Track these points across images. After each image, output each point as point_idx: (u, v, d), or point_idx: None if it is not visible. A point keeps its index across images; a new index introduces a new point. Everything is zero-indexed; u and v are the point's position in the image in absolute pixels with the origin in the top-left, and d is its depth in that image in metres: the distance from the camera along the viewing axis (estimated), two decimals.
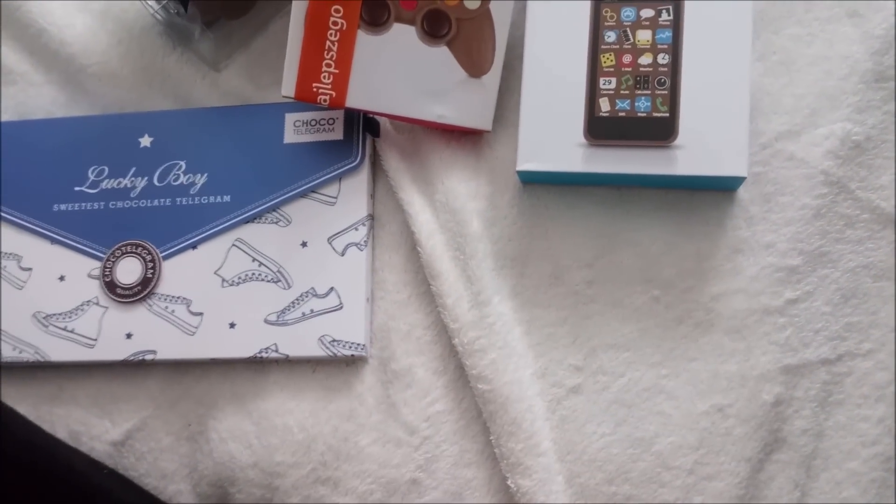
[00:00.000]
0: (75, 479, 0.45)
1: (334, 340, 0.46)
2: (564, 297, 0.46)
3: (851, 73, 0.45)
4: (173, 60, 0.52)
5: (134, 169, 0.50)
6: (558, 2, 0.44)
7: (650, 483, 0.43)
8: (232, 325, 0.47)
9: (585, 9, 0.44)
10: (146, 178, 0.49)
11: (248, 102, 0.51)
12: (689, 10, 0.43)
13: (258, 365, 0.48)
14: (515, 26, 0.47)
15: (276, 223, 0.48)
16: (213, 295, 0.47)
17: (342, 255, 0.47)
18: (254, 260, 0.47)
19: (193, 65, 0.52)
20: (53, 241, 0.50)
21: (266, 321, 0.47)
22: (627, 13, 0.43)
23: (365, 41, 0.44)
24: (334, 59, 0.44)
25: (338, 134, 0.48)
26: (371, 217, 0.48)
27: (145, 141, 0.50)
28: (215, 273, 0.48)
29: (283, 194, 0.48)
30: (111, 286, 0.48)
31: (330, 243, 0.47)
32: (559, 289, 0.46)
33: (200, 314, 0.47)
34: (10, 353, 0.48)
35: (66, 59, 0.53)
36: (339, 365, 0.47)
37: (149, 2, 0.47)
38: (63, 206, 0.50)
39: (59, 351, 0.48)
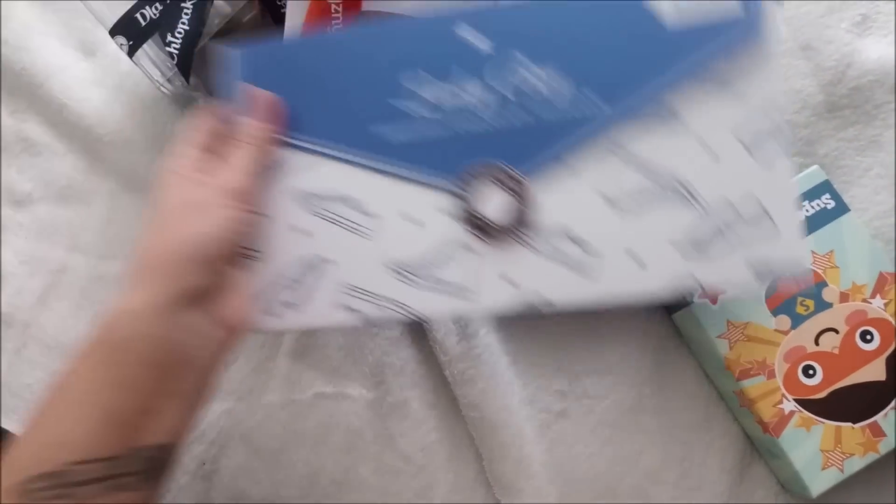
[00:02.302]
0: None
1: (769, 265, 0.37)
2: (548, 327, 0.48)
3: (804, 106, 0.48)
4: (182, 127, 0.56)
5: (473, 79, 0.40)
6: None
7: (638, 498, 0.45)
8: (636, 259, 0.38)
9: None
10: (490, 89, 0.39)
11: None
12: None
13: (264, 408, 0.50)
14: None
15: (662, 123, 0.38)
16: (605, 224, 0.38)
17: (761, 162, 0.37)
18: (646, 175, 0.38)
19: None
20: (394, 177, 0.40)
21: (677, 249, 0.38)
22: None
23: None
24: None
25: (733, 9, 0.37)
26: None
27: (484, 45, 0.40)
28: (600, 196, 0.39)
29: (667, 85, 0.38)
30: (478, 226, 0.39)
31: (740, 140, 0.38)
32: (542, 320, 0.48)
33: (594, 250, 0.38)
34: (373, 312, 0.40)
35: (85, 129, 0.57)
36: (337, 400, 0.50)
37: (154, 76, 0.52)
38: (396, 135, 0.40)
39: (432, 305, 0.40)
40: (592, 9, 0.39)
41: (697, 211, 0.38)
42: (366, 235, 0.41)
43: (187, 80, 0.51)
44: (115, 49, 0.58)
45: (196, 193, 0.37)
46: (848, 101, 0.48)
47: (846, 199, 0.47)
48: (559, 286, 0.39)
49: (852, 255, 0.45)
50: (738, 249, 0.37)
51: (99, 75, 0.58)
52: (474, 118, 0.40)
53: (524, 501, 0.45)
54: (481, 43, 0.40)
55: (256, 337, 0.52)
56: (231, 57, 0.43)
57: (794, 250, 0.37)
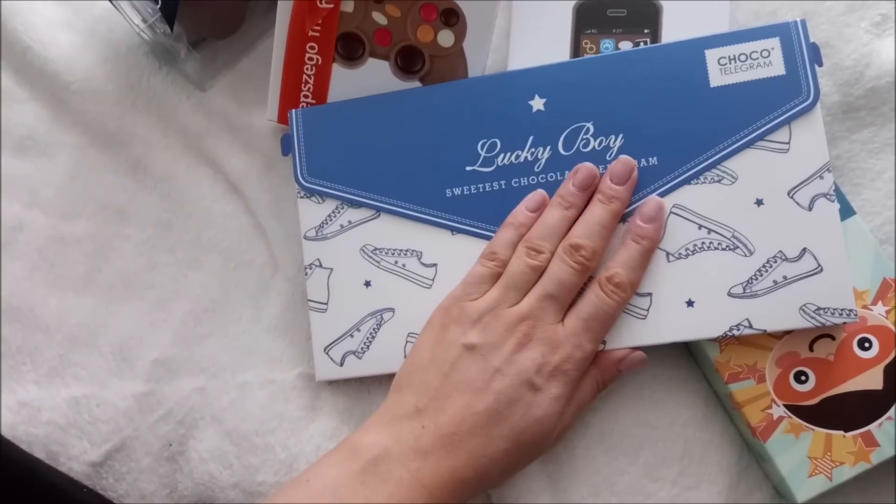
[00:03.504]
0: (57, 495, 0.44)
1: (819, 309, 0.41)
2: None
3: (820, 106, 0.47)
4: (159, 80, 0.52)
5: (532, 138, 0.43)
6: (540, 33, 0.45)
7: (636, 495, 0.44)
8: (690, 304, 0.42)
9: (566, 41, 0.45)
10: (549, 148, 0.43)
11: (233, 122, 0.51)
12: (667, 41, 0.44)
13: (239, 387, 0.48)
14: (499, 52, 0.48)
15: (718, 181, 0.42)
16: (661, 272, 0.42)
17: (809, 209, 0.42)
18: (700, 227, 0.42)
19: (179, 84, 0.52)
20: (455, 231, 0.44)
21: (730, 294, 0.42)
22: (606, 45, 0.45)
23: (340, 74, 0.46)
24: (311, 90, 0.47)
25: (777, 68, 0.42)
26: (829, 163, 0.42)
27: (537, 104, 0.43)
28: (657, 247, 0.43)
29: (724, 148, 0.42)
30: None
31: (791, 197, 0.42)
32: None
33: (649, 294, 0.42)
34: None
35: (51, 76, 0.52)
36: (321, 384, 0.48)
37: (134, 21, 0.48)
38: (457, 191, 0.44)
39: None
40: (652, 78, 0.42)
41: (751, 260, 0.41)
42: (425, 285, 0.43)
43: (171, 27, 0.47)
44: None
45: None
46: (864, 103, 0.47)
47: (858, 202, 0.46)
48: (614, 329, 0.42)
49: (855, 259, 0.44)
50: (789, 295, 0.41)
51: (70, 17, 0.53)
52: (529, 172, 0.43)
53: (517, 496, 0.43)
54: (539, 104, 0.43)
55: (230, 311, 0.49)
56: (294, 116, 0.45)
57: (842, 297, 0.41)
